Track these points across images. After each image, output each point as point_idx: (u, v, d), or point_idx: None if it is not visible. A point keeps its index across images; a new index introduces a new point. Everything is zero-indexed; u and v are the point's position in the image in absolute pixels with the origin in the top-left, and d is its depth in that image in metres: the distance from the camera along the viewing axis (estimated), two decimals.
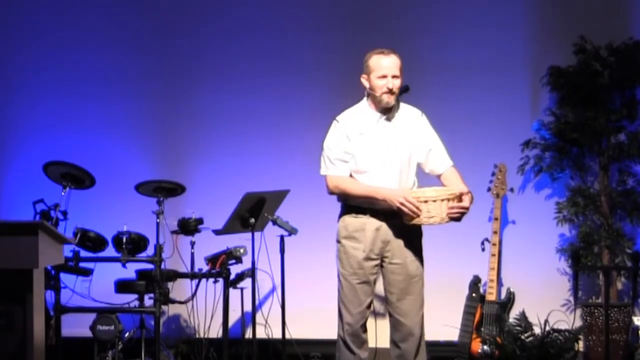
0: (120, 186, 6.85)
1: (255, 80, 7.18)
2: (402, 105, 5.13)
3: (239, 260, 6.16)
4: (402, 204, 4.81)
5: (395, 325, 5.08)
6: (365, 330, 5.11)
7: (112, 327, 6.01)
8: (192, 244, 6.20)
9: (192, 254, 6.18)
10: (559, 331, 6.53)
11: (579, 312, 6.74)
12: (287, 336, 6.21)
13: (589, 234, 6.66)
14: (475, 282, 6.63)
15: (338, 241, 5.11)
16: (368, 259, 5.02)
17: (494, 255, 6.67)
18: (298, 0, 7.19)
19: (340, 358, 5.15)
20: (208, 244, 6.23)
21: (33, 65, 7.35)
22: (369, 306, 5.09)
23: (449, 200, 4.83)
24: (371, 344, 5.23)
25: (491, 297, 6.62)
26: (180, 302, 6.25)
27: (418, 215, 4.84)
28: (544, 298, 6.78)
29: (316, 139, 7.05)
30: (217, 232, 6.05)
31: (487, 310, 6.58)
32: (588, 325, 6.59)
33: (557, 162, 6.71)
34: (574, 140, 6.66)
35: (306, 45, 7.15)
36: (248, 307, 6.09)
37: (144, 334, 6.23)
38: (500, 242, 6.73)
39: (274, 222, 6.08)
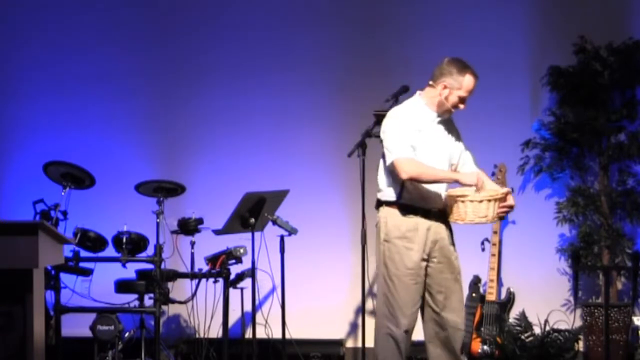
0: (120, 186, 6.85)
1: (255, 80, 7.18)
2: None
3: (239, 260, 6.15)
4: (478, 180, 4.85)
5: (440, 324, 5.07)
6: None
7: (112, 327, 6.01)
8: (192, 244, 6.20)
9: (192, 254, 6.17)
10: (559, 331, 6.54)
11: (579, 312, 6.74)
12: (287, 336, 6.21)
13: (589, 234, 6.66)
14: (475, 282, 6.64)
15: (387, 241, 5.05)
16: (422, 259, 5.02)
17: (494, 255, 6.67)
18: (299, 1, 7.19)
19: (385, 355, 5.06)
20: (208, 244, 6.22)
21: (33, 65, 7.35)
22: (421, 306, 5.09)
23: (498, 200, 4.90)
24: (371, 343, 5.23)
25: (491, 297, 6.62)
26: (180, 302, 6.25)
27: (472, 212, 4.88)
28: (544, 298, 6.78)
29: (316, 138, 7.11)
30: (217, 232, 6.05)
31: (487, 310, 6.59)
32: (588, 325, 6.59)
33: (557, 162, 6.72)
34: (574, 140, 6.66)
35: (307, 44, 7.15)
36: (248, 307, 6.09)
37: (144, 334, 6.23)
38: (500, 242, 6.73)
39: (274, 222, 6.08)
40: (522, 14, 6.99)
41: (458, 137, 5.21)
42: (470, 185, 4.91)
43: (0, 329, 4.19)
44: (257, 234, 6.03)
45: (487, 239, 6.69)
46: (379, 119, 5.52)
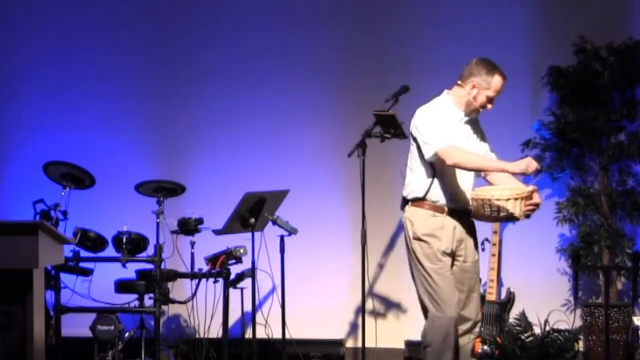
0: (120, 186, 6.85)
1: (255, 80, 7.18)
2: None
3: (239, 260, 6.16)
4: (527, 166, 4.84)
5: (458, 320, 5.07)
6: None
7: (112, 327, 6.02)
8: (192, 244, 6.20)
9: (192, 254, 6.18)
10: (559, 331, 6.54)
11: (579, 312, 6.74)
12: (287, 336, 6.21)
13: (589, 234, 6.66)
14: None
15: (416, 238, 5.06)
16: (449, 255, 5.05)
17: (494, 255, 6.67)
18: (299, 1, 7.19)
19: (440, 352, 5.02)
20: (208, 244, 6.23)
21: (33, 65, 7.35)
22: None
23: (525, 198, 4.90)
24: (371, 343, 5.24)
25: (491, 297, 6.62)
26: (180, 302, 6.25)
27: (500, 210, 4.87)
28: (544, 298, 6.78)
29: (316, 138, 7.11)
30: (217, 232, 6.05)
31: (487, 310, 6.59)
32: (588, 325, 6.59)
33: (557, 162, 6.71)
34: (574, 140, 6.66)
35: (306, 44, 7.15)
36: (248, 307, 6.09)
37: (144, 334, 6.23)
38: (500, 242, 6.73)
39: (274, 222, 6.08)
40: (522, 14, 6.98)
41: (483, 138, 5.23)
42: (520, 174, 4.93)
43: (0, 329, 4.19)
44: (257, 234, 6.03)
45: (487, 239, 6.69)
46: (379, 119, 5.53)
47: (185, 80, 7.25)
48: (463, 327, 5.11)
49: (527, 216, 5.01)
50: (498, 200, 4.88)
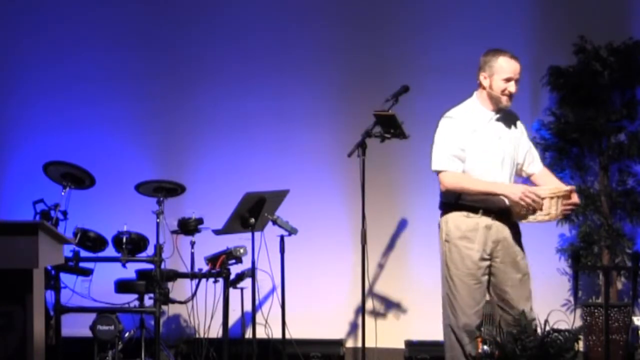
0: (120, 186, 6.85)
1: (255, 80, 7.18)
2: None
3: (239, 260, 6.16)
4: (524, 196, 4.83)
5: (508, 323, 5.10)
6: (480, 326, 5.11)
7: (112, 327, 6.02)
8: (192, 244, 6.20)
9: (192, 254, 6.18)
10: (559, 331, 6.52)
11: (579, 312, 6.73)
12: (287, 336, 6.21)
13: (589, 234, 6.66)
14: None
15: (448, 241, 5.07)
16: (482, 259, 5.02)
17: None
18: (299, 1, 7.19)
19: (453, 353, 5.08)
20: (208, 244, 6.23)
21: (33, 65, 7.35)
22: (483, 305, 5.11)
23: (562, 197, 4.87)
24: (371, 343, 5.24)
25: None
26: (180, 302, 6.25)
27: (536, 210, 4.86)
28: (544, 298, 6.76)
29: (316, 138, 7.11)
30: (217, 232, 6.05)
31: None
32: (588, 325, 6.59)
33: (557, 162, 6.71)
34: (574, 140, 6.66)
35: (306, 45, 7.15)
36: (248, 307, 6.09)
37: (144, 334, 6.23)
38: None
39: (274, 222, 6.08)
40: (522, 14, 6.98)
41: (521, 136, 5.18)
42: (514, 202, 4.88)
43: (0, 329, 4.19)
44: (257, 234, 6.03)
45: None
46: (379, 119, 5.53)
47: (186, 80, 7.25)
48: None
49: (565, 216, 4.97)
50: (542, 199, 4.84)
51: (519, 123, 5.21)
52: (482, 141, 5.02)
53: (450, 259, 5.04)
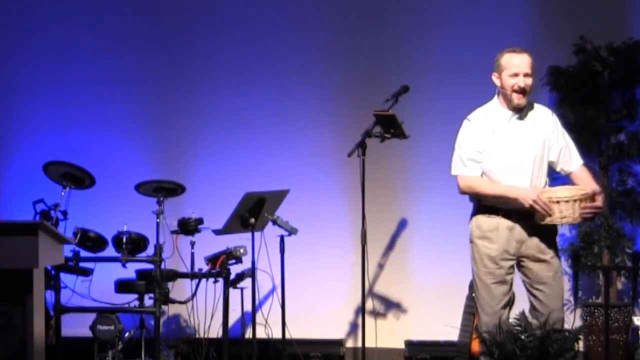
0: (120, 186, 6.85)
1: (255, 80, 7.18)
2: (535, 104, 5.16)
3: (239, 260, 6.16)
4: (534, 201, 4.85)
5: (539, 320, 5.11)
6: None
7: (112, 327, 6.02)
8: (192, 244, 6.20)
9: (192, 254, 6.18)
10: (559, 331, 6.52)
11: (579, 312, 6.73)
12: (287, 336, 6.21)
13: (589, 234, 6.66)
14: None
15: (471, 241, 5.12)
16: (503, 259, 5.03)
17: None
18: (299, 1, 7.19)
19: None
20: (208, 244, 6.23)
21: (33, 65, 7.35)
22: (505, 306, 5.12)
23: (581, 200, 4.84)
24: (371, 343, 5.24)
25: None
26: (180, 302, 6.25)
27: (549, 215, 4.86)
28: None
29: (316, 138, 7.10)
30: (217, 232, 6.05)
31: None
32: (588, 325, 6.59)
33: None
34: (574, 140, 6.65)
35: (306, 46, 7.15)
36: (248, 307, 6.09)
37: (144, 334, 6.23)
38: None
39: (274, 222, 6.08)
40: (522, 14, 6.98)
41: (553, 134, 5.13)
42: (526, 206, 4.89)
43: (0, 329, 4.19)
44: (257, 234, 6.03)
45: None
46: (379, 119, 5.53)
47: (186, 81, 7.25)
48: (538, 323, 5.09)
49: (586, 219, 4.95)
50: (558, 201, 4.83)
51: (550, 120, 5.17)
52: (501, 141, 5.03)
53: (473, 259, 5.12)
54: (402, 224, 7.04)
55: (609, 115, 6.64)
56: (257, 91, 7.17)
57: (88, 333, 6.08)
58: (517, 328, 6.52)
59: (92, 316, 6.08)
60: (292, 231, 6.11)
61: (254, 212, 5.98)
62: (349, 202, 6.85)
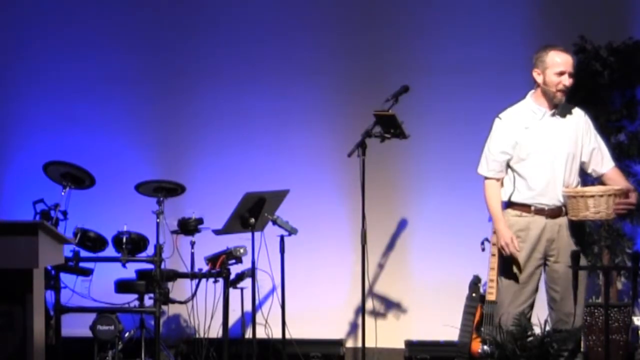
0: (120, 186, 6.85)
1: (255, 80, 7.18)
2: (568, 104, 5.17)
3: (239, 260, 6.16)
4: (506, 244, 4.97)
5: (557, 323, 5.14)
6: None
7: (112, 327, 6.02)
8: (192, 244, 6.20)
9: (192, 254, 6.18)
10: (559, 331, 6.52)
11: None
12: (287, 336, 6.21)
13: (589, 234, 6.65)
14: (475, 282, 6.63)
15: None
16: (532, 258, 5.04)
17: (494, 255, 6.65)
18: (299, 1, 7.19)
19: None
20: (208, 244, 6.23)
21: (33, 65, 7.35)
22: (530, 305, 5.15)
23: (615, 195, 4.83)
24: (371, 343, 5.24)
25: (491, 297, 6.60)
26: (180, 302, 6.25)
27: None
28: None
29: (316, 138, 7.10)
30: (217, 232, 6.05)
31: (487, 310, 6.57)
32: (588, 325, 6.58)
33: None
34: None
35: (307, 45, 7.15)
36: (248, 307, 6.09)
37: (144, 334, 6.23)
38: None
39: (274, 222, 6.08)
40: (522, 14, 6.98)
41: (586, 135, 5.14)
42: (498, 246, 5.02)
43: (0, 328, 4.19)
44: (257, 234, 6.03)
45: (487, 239, 6.67)
46: (379, 119, 5.53)
47: (186, 81, 7.25)
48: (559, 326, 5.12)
49: (619, 215, 4.94)
50: (592, 196, 4.82)
51: (582, 120, 5.18)
52: (534, 138, 5.03)
53: (500, 257, 5.16)
54: (402, 224, 7.04)
55: (609, 115, 6.63)
56: (257, 91, 7.17)
57: (88, 333, 6.08)
58: (517, 328, 6.53)
59: (92, 316, 6.08)
60: (292, 231, 6.11)
61: (254, 212, 5.98)
62: (349, 202, 6.85)
